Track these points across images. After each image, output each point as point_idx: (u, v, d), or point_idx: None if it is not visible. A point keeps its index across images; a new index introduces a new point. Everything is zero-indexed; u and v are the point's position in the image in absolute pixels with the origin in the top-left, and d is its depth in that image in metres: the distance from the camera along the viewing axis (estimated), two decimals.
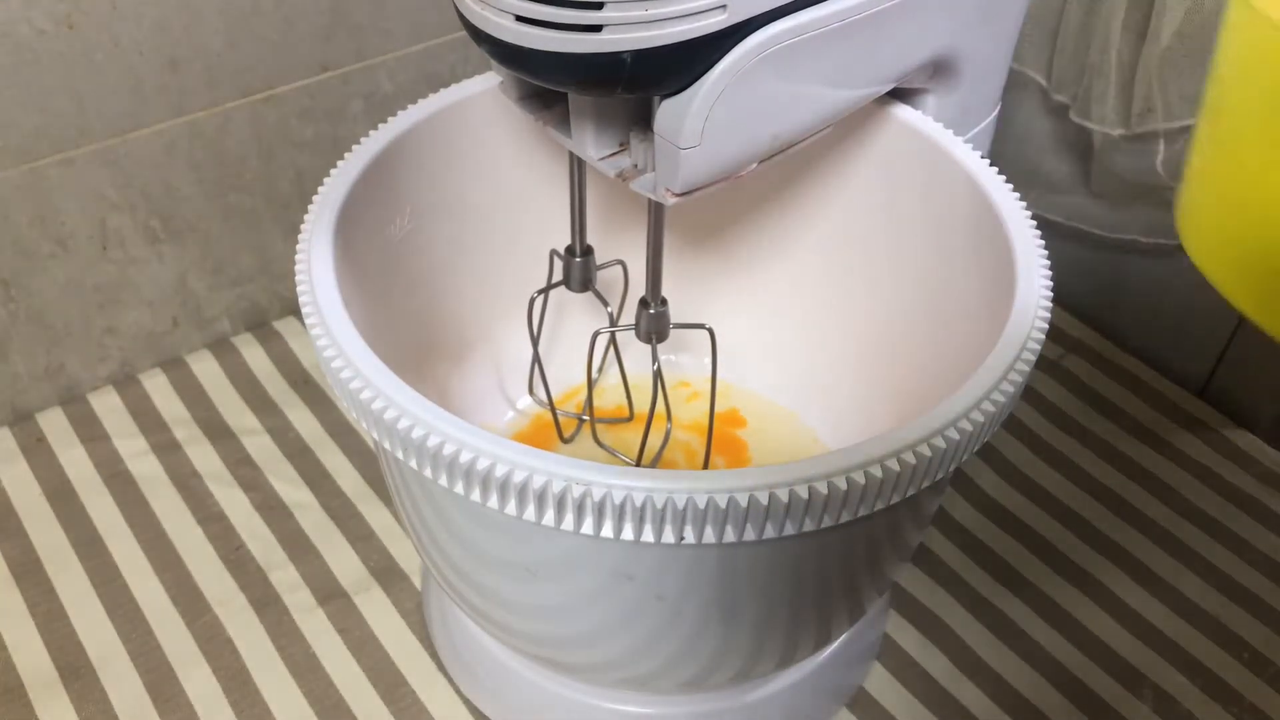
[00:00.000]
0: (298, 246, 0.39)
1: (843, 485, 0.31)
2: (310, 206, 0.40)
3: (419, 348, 0.48)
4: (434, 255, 0.48)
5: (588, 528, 0.32)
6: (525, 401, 0.55)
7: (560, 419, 0.54)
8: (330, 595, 0.53)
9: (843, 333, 0.52)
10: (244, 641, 0.51)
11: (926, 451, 0.32)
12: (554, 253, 0.49)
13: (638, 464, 0.51)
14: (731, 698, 0.46)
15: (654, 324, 0.45)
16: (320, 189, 0.41)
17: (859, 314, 0.51)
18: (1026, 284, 0.38)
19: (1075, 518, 0.57)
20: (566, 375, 0.56)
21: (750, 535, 0.32)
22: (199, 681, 0.50)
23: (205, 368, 0.64)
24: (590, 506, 0.31)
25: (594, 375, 0.53)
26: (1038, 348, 0.36)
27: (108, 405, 0.62)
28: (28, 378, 0.60)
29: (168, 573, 0.54)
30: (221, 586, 0.53)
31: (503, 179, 0.50)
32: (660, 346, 0.46)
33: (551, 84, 0.35)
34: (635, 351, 0.54)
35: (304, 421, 0.61)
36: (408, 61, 0.62)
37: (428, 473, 0.33)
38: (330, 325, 0.36)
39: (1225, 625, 0.53)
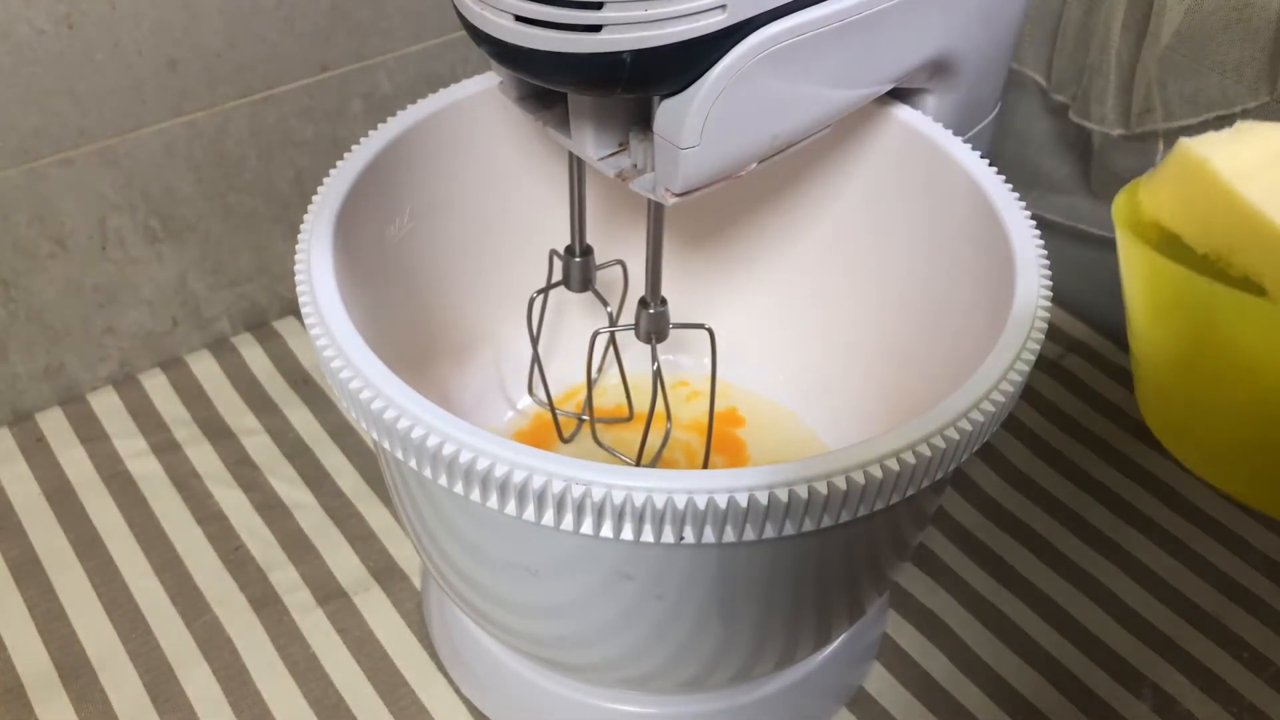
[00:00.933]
0: (297, 246, 0.39)
1: (842, 485, 0.31)
2: (310, 206, 0.40)
3: (419, 348, 0.48)
4: (434, 255, 0.48)
5: (587, 528, 0.32)
6: (525, 401, 0.55)
7: (560, 419, 0.54)
8: (330, 595, 0.53)
9: (842, 332, 0.52)
10: (244, 641, 0.51)
11: (926, 451, 0.32)
12: (554, 253, 0.49)
13: (637, 464, 0.51)
14: (731, 698, 0.46)
15: (653, 324, 0.45)
16: (320, 189, 0.41)
17: (858, 313, 0.51)
18: (1026, 284, 0.38)
19: (1075, 517, 0.57)
20: (566, 375, 0.56)
21: (750, 535, 0.32)
22: (199, 681, 0.50)
23: (205, 368, 0.64)
24: (590, 506, 0.31)
25: (594, 375, 0.53)
26: (1037, 347, 0.36)
27: (107, 405, 0.62)
28: (27, 378, 0.60)
29: (167, 573, 0.54)
30: (221, 586, 0.53)
31: (503, 179, 0.50)
32: (660, 346, 0.46)
33: (551, 84, 0.35)
34: (635, 351, 0.54)
35: (304, 421, 0.61)
36: (407, 61, 0.62)
37: (427, 473, 0.33)
38: (330, 325, 0.36)
39: (1225, 625, 0.53)
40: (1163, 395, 0.29)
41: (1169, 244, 0.27)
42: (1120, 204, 0.28)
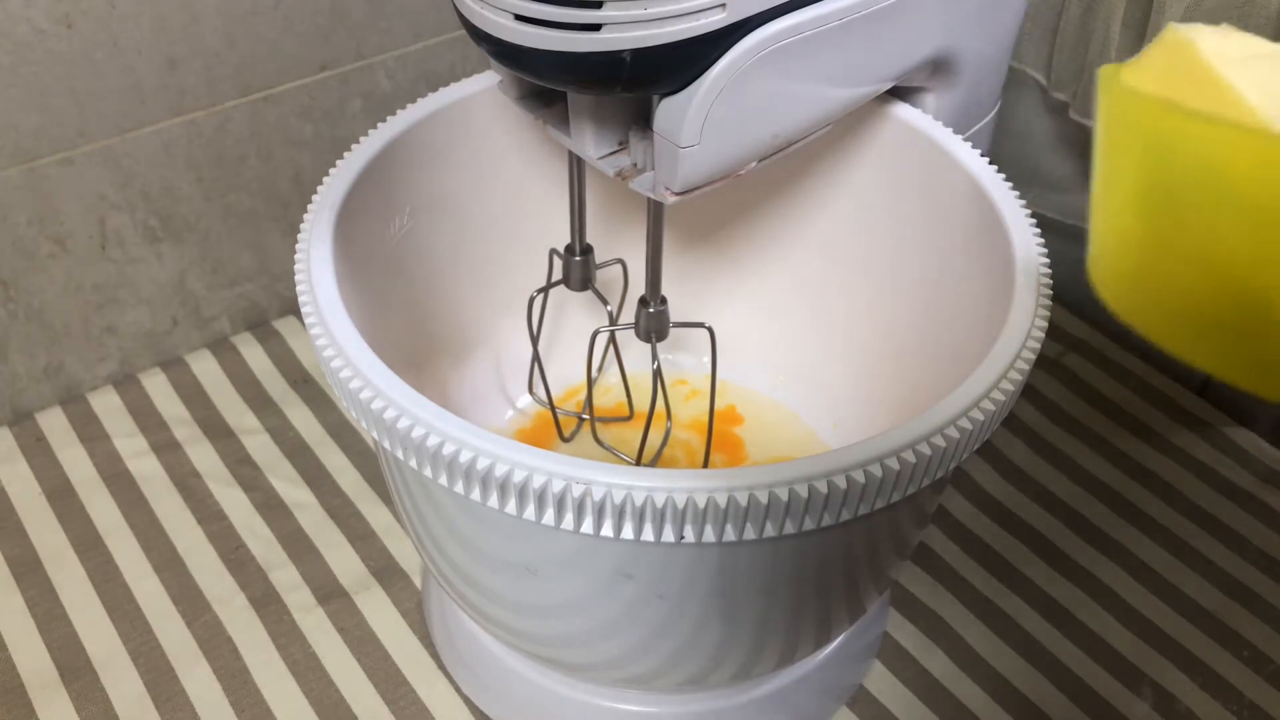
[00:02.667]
0: (297, 246, 0.39)
1: (842, 484, 0.31)
2: (309, 206, 0.40)
3: (419, 347, 0.48)
4: (433, 254, 0.48)
5: (588, 527, 0.32)
6: (525, 400, 0.55)
7: (560, 418, 0.54)
8: (330, 594, 0.53)
9: (842, 331, 0.52)
10: (244, 641, 0.51)
11: (926, 450, 0.32)
12: (554, 251, 0.49)
13: (638, 462, 0.51)
14: (731, 696, 0.46)
15: (654, 323, 0.45)
16: (319, 188, 0.41)
17: (858, 312, 0.51)
18: (1026, 282, 0.38)
19: (1075, 515, 0.57)
20: (566, 374, 0.56)
21: (750, 534, 0.32)
22: (199, 681, 0.50)
23: (205, 367, 0.64)
24: (590, 506, 0.31)
25: (594, 374, 0.53)
26: (1037, 346, 0.36)
27: (107, 405, 0.62)
28: (27, 377, 0.60)
29: (168, 572, 0.54)
30: (221, 586, 0.53)
31: (502, 178, 0.50)
32: (660, 345, 0.46)
33: (551, 83, 0.35)
34: (635, 350, 0.54)
35: (304, 421, 0.61)
36: (407, 60, 0.62)
37: (427, 472, 0.33)
38: (330, 325, 0.36)
39: (1225, 623, 0.53)
40: (1124, 250, 0.28)
41: None
42: (1105, 75, 0.28)
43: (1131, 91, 0.27)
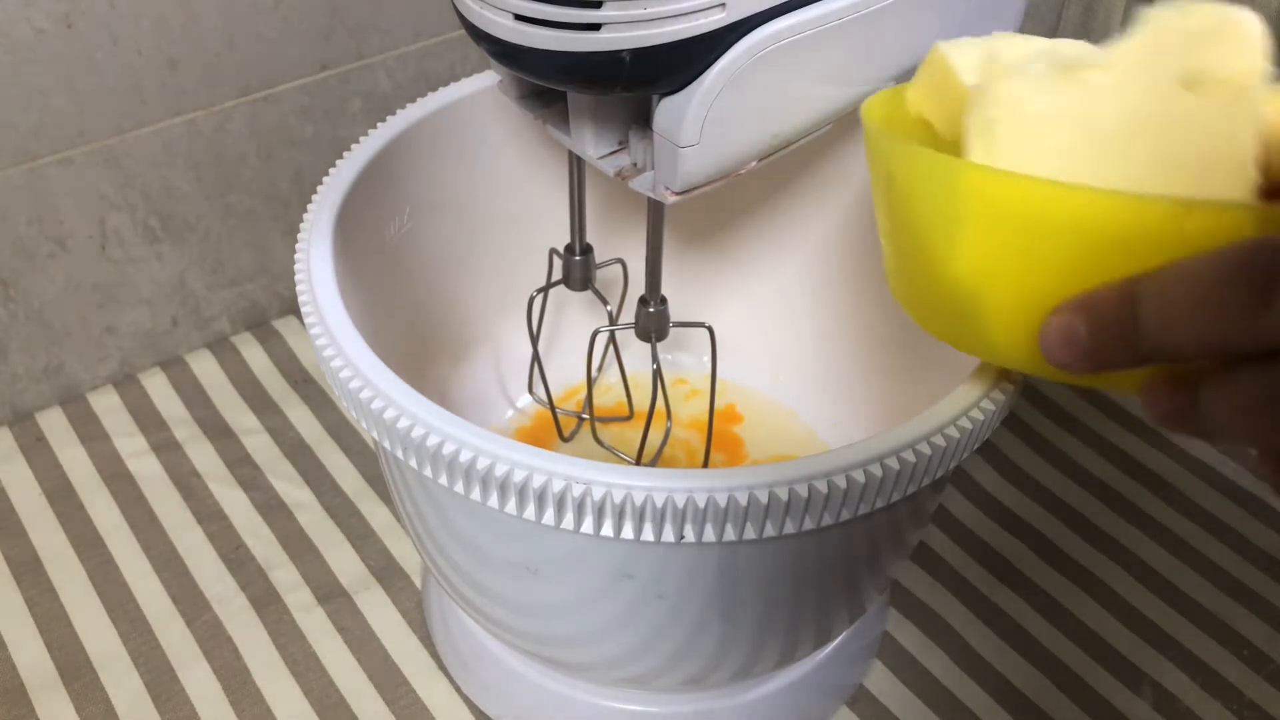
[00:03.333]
0: (297, 246, 0.39)
1: (842, 483, 0.31)
2: (309, 206, 0.40)
3: (419, 347, 0.48)
4: (433, 254, 0.48)
5: (588, 527, 0.32)
6: (525, 400, 0.55)
7: (560, 417, 0.54)
8: (330, 594, 0.53)
9: (842, 330, 0.52)
10: (244, 641, 0.51)
11: (926, 449, 0.32)
12: (553, 251, 0.49)
13: (638, 462, 0.51)
14: (731, 696, 0.46)
15: (653, 322, 0.45)
16: (319, 188, 0.41)
17: (859, 311, 0.51)
18: None
19: (1075, 515, 0.58)
20: (566, 374, 0.56)
21: (750, 534, 0.32)
22: (199, 681, 0.50)
23: (205, 367, 0.64)
24: (590, 505, 0.31)
25: (594, 374, 0.53)
26: None
27: (107, 405, 0.62)
28: (27, 377, 0.60)
29: (168, 572, 0.54)
30: (221, 586, 0.53)
31: (502, 178, 0.50)
32: (660, 345, 0.46)
33: (550, 83, 0.35)
34: (635, 350, 0.54)
35: (304, 421, 0.61)
36: (407, 60, 0.62)
37: (427, 472, 0.33)
38: (330, 325, 0.36)
39: (1224, 622, 0.53)
40: (893, 260, 0.32)
41: (927, 134, 0.32)
42: (875, 103, 0.33)
43: (871, 119, 0.31)
